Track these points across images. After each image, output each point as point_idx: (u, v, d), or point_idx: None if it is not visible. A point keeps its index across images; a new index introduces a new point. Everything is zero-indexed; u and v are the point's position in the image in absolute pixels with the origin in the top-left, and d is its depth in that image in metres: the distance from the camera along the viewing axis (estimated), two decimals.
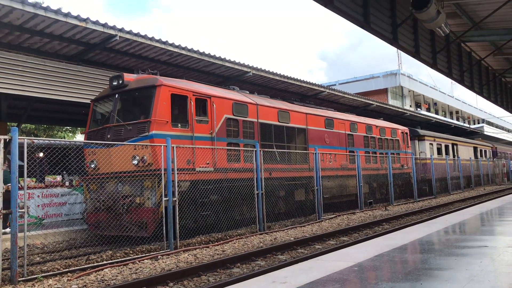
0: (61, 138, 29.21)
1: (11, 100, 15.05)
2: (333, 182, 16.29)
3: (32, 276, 7.12)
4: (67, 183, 15.21)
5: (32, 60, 12.53)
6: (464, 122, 59.38)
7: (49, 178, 15.77)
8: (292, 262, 7.50)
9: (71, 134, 32.90)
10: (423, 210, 16.81)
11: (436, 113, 54.04)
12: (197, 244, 10.02)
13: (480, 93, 16.50)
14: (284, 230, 12.13)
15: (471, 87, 15.23)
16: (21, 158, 7.39)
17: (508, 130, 71.39)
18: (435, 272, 4.88)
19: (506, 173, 42.16)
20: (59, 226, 12.54)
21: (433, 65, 12.15)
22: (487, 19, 10.99)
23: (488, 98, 17.54)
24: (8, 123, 17.35)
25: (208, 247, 9.69)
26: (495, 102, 18.72)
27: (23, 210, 7.03)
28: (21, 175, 7.35)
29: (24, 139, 7.37)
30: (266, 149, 12.94)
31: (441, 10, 8.76)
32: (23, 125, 24.86)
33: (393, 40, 9.69)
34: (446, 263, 5.35)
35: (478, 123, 67.23)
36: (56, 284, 6.83)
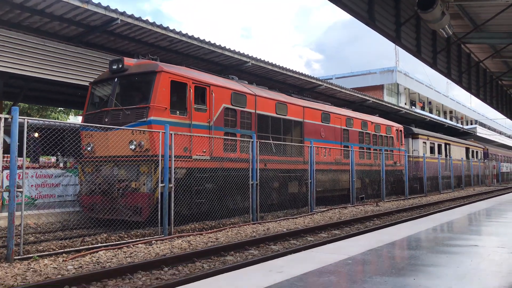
0: (55, 119, 29.05)
1: (8, 79, 14.95)
2: (327, 176, 16.42)
3: (28, 255, 7.17)
4: (61, 165, 15.20)
5: (32, 39, 12.46)
6: (458, 122, 59.83)
7: (43, 159, 15.75)
8: (286, 252, 7.61)
9: (64, 116, 32.73)
10: (414, 207, 17.03)
11: (431, 112, 54.37)
12: (191, 231, 10.11)
13: (477, 94, 16.66)
14: (276, 221, 12.26)
15: (468, 89, 15.38)
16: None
17: (500, 132, 72.06)
18: (427, 268, 5.00)
19: (496, 174, 42.65)
20: (52, 207, 12.58)
21: (433, 65, 12.24)
22: (489, 22, 11.07)
23: (484, 100, 17.72)
24: (4, 102, 17.23)
25: (201, 234, 9.78)
26: (490, 104, 18.91)
27: (21, 190, 7.05)
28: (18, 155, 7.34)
29: (24, 119, 7.37)
30: (262, 140, 13.00)
31: (446, 12, 8.82)
32: (17, 104, 24.67)
33: (396, 38, 9.75)
34: (438, 260, 5.47)
35: (471, 124, 67.79)
36: (51, 264, 6.89)
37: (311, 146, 14.61)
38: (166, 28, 13.70)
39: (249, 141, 12.31)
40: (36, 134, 16.04)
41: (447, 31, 9.49)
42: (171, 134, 9.83)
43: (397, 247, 6.47)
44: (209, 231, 10.20)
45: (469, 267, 5.05)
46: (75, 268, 6.70)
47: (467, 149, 35.76)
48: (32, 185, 13.37)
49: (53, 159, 15.95)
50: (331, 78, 45.63)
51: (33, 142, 15.92)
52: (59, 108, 30.46)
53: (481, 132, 54.03)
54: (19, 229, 7.19)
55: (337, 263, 5.31)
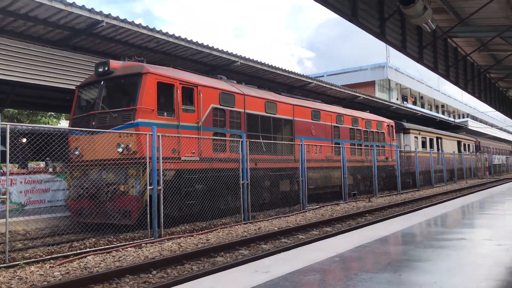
0: (45, 124, 28.81)
1: None
2: (318, 173, 16.42)
3: (14, 263, 7.08)
4: (50, 170, 15.06)
5: (16, 44, 12.30)
6: (449, 116, 60.14)
7: (32, 164, 15.59)
8: (275, 251, 7.58)
9: (55, 120, 32.47)
10: (406, 202, 17.07)
11: (422, 106, 54.59)
12: (181, 233, 10.05)
13: (464, 88, 16.71)
14: (268, 220, 12.22)
15: (456, 83, 15.42)
16: (2, 143, 7.29)
17: (492, 125, 72.53)
18: (414, 263, 4.98)
19: (488, 167, 42.91)
20: (41, 212, 12.45)
21: (419, 59, 12.26)
22: (474, 15, 11.09)
23: (472, 93, 17.79)
24: None
25: (192, 235, 9.72)
26: (479, 97, 18.99)
27: (5, 197, 6.95)
28: (3, 160, 7.26)
29: (7, 124, 7.27)
30: (252, 140, 12.96)
31: (428, 6, 8.82)
32: (5, 110, 24.45)
33: (380, 34, 9.73)
34: (425, 255, 5.45)
35: (463, 117, 68.14)
36: (38, 271, 6.80)
37: (301, 144, 14.59)
38: (153, 29, 13.61)
39: (239, 141, 12.26)
40: (24, 140, 15.90)
41: (430, 26, 9.49)
42: (159, 135, 9.76)
43: (386, 243, 6.45)
44: (200, 232, 10.14)
45: (455, 261, 5.04)
46: (62, 275, 6.62)
47: (459, 143, 35.93)
48: (21, 191, 13.22)
49: (42, 164, 15.79)
50: (323, 76, 45.66)
51: (21, 148, 15.78)
52: (49, 113, 30.22)
53: (472, 125, 54.32)
54: (5, 236, 7.09)
55: (324, 260, 5.28)
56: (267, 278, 4.49)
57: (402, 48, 10.95)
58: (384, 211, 14.63)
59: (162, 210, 9.66)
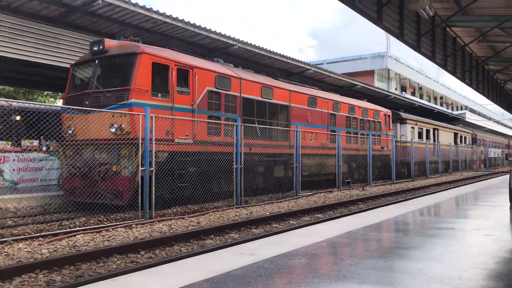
0: (41, 103, 28.61)
1: None
2: (313, 160, 16.39)
3: (1, 239, 7.05)
4: (44, 148, 14.98)
5: (10, 20, 12.12)
6: (448, 108, 60.07)
7: (25, 143, 15.51)
8: (264, 235, 7.57)
9: (52, 100, 32.27)
10: (400, 191, 17.10)
11: (421, 97, 54.45)
12: (172, 215, 10.04)
13: (462, 79, 16.61)
14: (260, 205, 12.23)
15: (453, 73, 15.31)
16: None
17: (490, 118, 72.53)
18: (400, 250, 4.98)
19: (484, 160, 43.03)
20: (34, 191, 12.41)
21: (417, 48, 12.13)
22: (474, 4, 10.96)
23: (470, 84, 17.70)
24: None
25: (183, 218, 9.71)
26: (476, 89, 18.91)
27: None
28: None
29: None
30: (247, 124, 12.89)
31: None
32: (1, 87, 24.27)
33: (377, 19, 9.59)
34: (412, 242, 5.46)
35: (461, 109, 68.07)
36: (26, 248, 6.79)
37: (296, 130, 14.54)
38: (150, 10, 13.42)
39: (234, 125, 12.19)
40: (18, 117, 15.78)
41: (427, 12, 9.37)
42: (152, 116, 9.68)
43: (376, 230, 6.45)
44: (191, 215, 10.13)
45: (442, 249, 5.04)
46: (50, 252, 6.60)
47: (455, 135, 35.95)
48: (13, 169, 13.17)
49: (36, 142, 15.71)
50: (322, 63, 45.38)
51: (15, 125, 15.67)
52: (46, 92, 30.01)
53: (470, 117, 54.28)
54: None
55: (310, 245, 5.28)
56: (252, 261, 4.49)
57: (399, 35, 10.82)
58: (377, 199, 14.65)
59: (154, 192, 9.63)
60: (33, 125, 10.97)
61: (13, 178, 13.05)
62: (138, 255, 6.68)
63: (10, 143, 14.47)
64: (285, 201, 13.26)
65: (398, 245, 5.27)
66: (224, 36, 15.97)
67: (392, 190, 17.72)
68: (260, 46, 17.69)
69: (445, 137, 32.75)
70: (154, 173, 9.68)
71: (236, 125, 12.10)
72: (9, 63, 14.61)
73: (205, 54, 16.40)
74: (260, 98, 14.21)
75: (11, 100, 17.07)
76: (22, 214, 10.21)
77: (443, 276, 3.87)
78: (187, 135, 11.26)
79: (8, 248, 6.67)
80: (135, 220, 9.14)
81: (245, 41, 16.89)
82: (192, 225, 9.03)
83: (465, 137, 38.98)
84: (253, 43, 17.26)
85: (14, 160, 13.25)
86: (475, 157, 40.65)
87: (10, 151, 13.53)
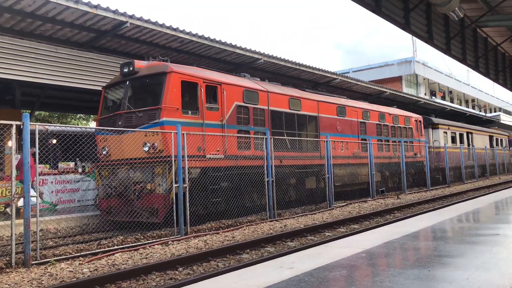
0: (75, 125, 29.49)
1: (25, 87, 15.22)
2: (345, 170, 16.19)
3: (44, 260, 7.24)
4: (80, 170, 15.39)
5: (44, 47, 12.61)
6: (480, 111, 58.40)
7: (62, 165, 15.98)
8: (301, 248, 7.50)
9: (84, 122, 33.24)
10: (436, 198, 16.65)
11: (451, 101, 53.22)
12: (207, 230, 10.08)
13: (495, 79, 16.15)
14: (294, 217, 12.13)
15: (486, 74, 14.91)
16: (34, 145, 7.48)
17: None
18: (444, 259, 4.83)
19: None
20: (72, 211, 12.73)
21: (447, 51, 11.89)
22: (504, 3, 10.69)
23: (504, 85, 17.18)
24: (22, 110, 17.56)
25: (218, 233, 9.74)
26: (511, 89, 18.33)
27: (35, 195, 7.12)
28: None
29: (35, 125, 7.44)
30: (276, 137, 12.89)
31: None
32: (37, 113, 25.16)
33: (405, 25, 9.48)
34: (456, 250, 5.28)
35: (495, 111, 66.05)
36: (68, 267, 6.94)
37: (327, 141, 14.42)
38: (176, 29, 13.70)
39: (263, 138, 12.21)
40: (54, 141, 16.30)
41: (457, 14, 9.19)
42: (183, 134, 9.82)
43: (415, 239, 6.29)
44: (226, 229, 10.15)
45: (488, 257, 4.86)
46: (91, 271, 6.73)
47: (490, 137, 34.87)
48: (52, 191, 13.57)
49: (72, 164, 16.17)
50: (348, 72, 45.08)
51: (52, 149, 16.19)
52: (79, 115, 30.96)
53: (505, 119, 52.62)
54: (37, 235, 7.27)
55: (350, 257, 5.19)
56: (291, 274, 4.44)
57: (428, 39, 10.64)
58: (413, 207, 14.30)
59: (188, 208, 9.72)
60: (69, 148, 11.31)
61: (52, 200, 13.44)
62: (176, 272, 6.72)
63: (48, 166, 14.95)
64: (319, 212, 13.11)
65: (441, 254, 5.10)
66: (250, 50, 16.12)
67: (427, 197, 17.28)
68: (286, 59, 17.76)
69: (480, 140, 31.81)
70: (187, 189, 9.78)
71: (266, 138, 12.12)
72: (46, 89, 15.20)
73: (231, 69, 16.60)
74: (288, 110, 14.20)
75: (47, 124, 17.68)
76: (62, 235, 10.47)
77: (493, 285, 3.72)
78: (218, 150, 11.34)
79: (51, 268, 6.84)
80: (171, 237, 9.22)
81: (270, 54, 17.00)
82: (227, 240, 9.04)
83: (501, 140, 37.75)
84: (278, 56, 17.34)
85: (52, 182, 13.66)
86: None
87: (49, 174, 13.97)
